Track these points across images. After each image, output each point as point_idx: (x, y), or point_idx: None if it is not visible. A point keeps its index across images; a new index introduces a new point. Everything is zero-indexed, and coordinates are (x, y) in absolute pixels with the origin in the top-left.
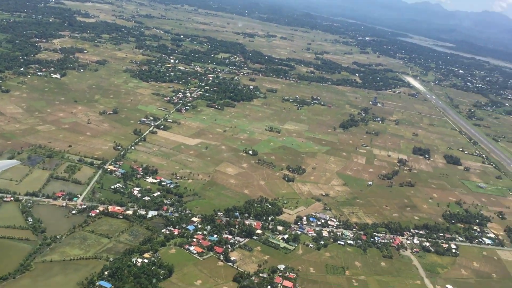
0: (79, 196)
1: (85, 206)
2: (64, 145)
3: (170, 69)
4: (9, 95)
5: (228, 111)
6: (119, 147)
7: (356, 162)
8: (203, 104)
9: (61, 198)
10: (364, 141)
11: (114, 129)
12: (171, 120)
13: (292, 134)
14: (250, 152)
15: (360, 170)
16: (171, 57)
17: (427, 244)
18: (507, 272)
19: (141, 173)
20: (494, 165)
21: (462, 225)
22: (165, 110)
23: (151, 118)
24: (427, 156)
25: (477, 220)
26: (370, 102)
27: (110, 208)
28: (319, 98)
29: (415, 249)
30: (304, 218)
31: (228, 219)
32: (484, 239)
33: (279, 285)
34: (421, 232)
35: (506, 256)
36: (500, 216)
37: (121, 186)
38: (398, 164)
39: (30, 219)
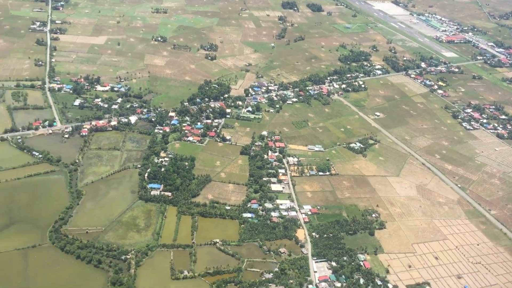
0: (55, 120)
1: (70, 129)
2: None
3: None
4: None
5: None
6: (40, 62)
7: (249, 28)
8: None
9: (41, 126)
10: (239, 5)
11: (14, 44)
12: (59, 21)
13: (178, 12)
14: (160, 39)
15: (257, 35)
16: None
17: (344, 85)
18: (401, 91)
19: (87, 84)
20: (345, 5)
21: (355, 64)
22: (42, 11)
23: (38, 23)
24: (295, 8)
25: (363, 57)
26: None
27: (95, 123)
28: None
29: (340, 92)
30: (250, 89)
31: (196, 106)
32: (376, 70)
33: (274, 147)
34: (334, 77)
35: (394, 80)
36: (374, 49)
37: (82, 101)
38: (280, 22)
39: (35, 153)
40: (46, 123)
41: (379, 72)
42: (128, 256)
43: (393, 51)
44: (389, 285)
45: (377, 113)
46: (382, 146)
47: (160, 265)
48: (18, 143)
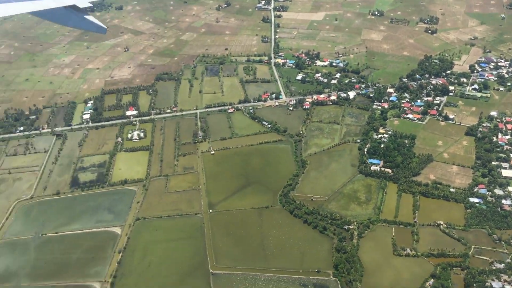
0: (280, 93)
1: (294, 102)
2: (220, 49)
3: None
4: (124, 11)
5: None
6: (266, 39)
7: None
8: None
9: (269, 98)
10: None
11: (243, 22)
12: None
13: None
14: (377, 13)
15: (484, 5)
16: None
17: None
18: None
19: (307, 59)
20: None
21: None
22: None
23: (263, 1)
24: None
25: None
26: None
27: (315, 97)
28: None
29: None
30: (476, 65)
31: (415, 83)
32: None
33: (505, 129)
34: None
35: None
36: None
37: (304, 75)
38: None
39: (264, 123)
40: (273, 95)
41: None
42: (351, 227)
43: None
44: None
45: None
46: None
47: (382, 240)
48: (250, 113)
